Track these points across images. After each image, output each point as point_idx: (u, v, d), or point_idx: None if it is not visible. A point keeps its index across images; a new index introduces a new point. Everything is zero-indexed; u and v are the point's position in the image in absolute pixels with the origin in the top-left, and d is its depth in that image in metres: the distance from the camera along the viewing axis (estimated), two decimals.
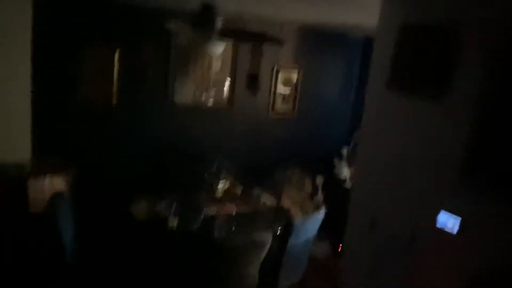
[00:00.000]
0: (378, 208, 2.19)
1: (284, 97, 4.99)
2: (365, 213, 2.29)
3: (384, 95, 2.13)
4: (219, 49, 3.37)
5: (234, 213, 3.68)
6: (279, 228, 3.37)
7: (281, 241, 3.17)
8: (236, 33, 3.43)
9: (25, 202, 3.37)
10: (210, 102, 4.56)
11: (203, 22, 3.16)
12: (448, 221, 1.73)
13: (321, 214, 3.35)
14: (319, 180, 4.83)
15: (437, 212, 1.80)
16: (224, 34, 3.23)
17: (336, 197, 4.39)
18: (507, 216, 1.53)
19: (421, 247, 1.89)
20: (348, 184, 4.48)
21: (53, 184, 3.49)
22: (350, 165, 4.51)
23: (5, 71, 3.51)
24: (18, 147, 3.68)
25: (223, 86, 4.61)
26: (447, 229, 1.73)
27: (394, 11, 2.07)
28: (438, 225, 1.77)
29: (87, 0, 3.72)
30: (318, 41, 4.99)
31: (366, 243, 2.24)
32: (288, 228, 3.12)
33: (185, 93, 4.37)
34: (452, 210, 1.75)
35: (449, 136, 1.78)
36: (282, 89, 4.95)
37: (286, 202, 4.36)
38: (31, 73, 3.65)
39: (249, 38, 3.55)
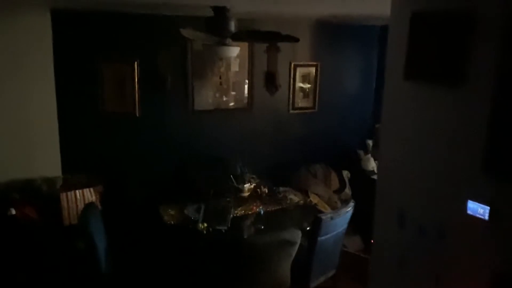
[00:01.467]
0: (405, 200, 2.15)
1: (304, 93, 4.99)
2: (392, 205, 2.26)
3: (401, 86, 2.09)
4: (233, 52, 3.40)
5: (262, 213, 3.70)
6: (308, 224, 3.37)
7: (311, 237, 3.17)
8: (250, 34, 3.43)
9: (59, 215, 3.48)
10: (231, 104, 4.60)
11: (216, 26, 3.18)
12: (478, 209, 1.69)
13: (350, 208, 3.34)
14: (346, 174, 4.82)
15: (465, 202, 1.76)
16: (238, 36, 3.24)
17: (365, 190, 4.35)
18: None
19: (450, 238, 1.85)
20: (375, 176, 4.43)
21: (83, 196, 3.59)
22: (375, 157, 4.45)
23: (31, 91, 3.63)
24: (49, 164, 3.81)
25: (243, 87, 4.65)
26: (478, 215, 1.69)
27: None
28: (469, 211, 1.73)
29: (101, 14, 3.79)
30: (335, 34, 4.96)
31: (394, 235, 2.21)
32: (317, 224, 3.12)
33: (205, 97, 4.42)
34: (479, 199, 1.71)
35: (469, 124, 1.74)
36: (301, 85, 4.95)
37: (313, 198, 4.36)
38: (55, 91, 3.76)
39: (264, 38, 3.54)
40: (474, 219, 1.73)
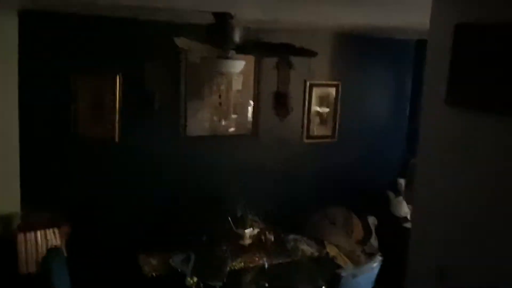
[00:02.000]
0: (447, 256, 2.12)
1: (321, 118, 5.02)
2: (430, 262, 2.22)
3: (443, 113, 2.10)
4: (237, 67, 3.44)
5: (266, 266, 3.66)
6: (324, 283, 3.34)
7: None
8: (258, 46, 3.48)
9: (14, 262, 3.44)
10: (232, 130, 4.64)
11: (218, 36, 3.23)
12: None
13: (376, 264, 3.30)
14: (372, 220, 4.79)
15: None
16: (243, 48, 3.28)
17: (396, 241, 4.31)
18: None
19: None
20: (409, 224, 4.41)
21: (46, 238, 3.56)
22: (409, 200, 4.43)
23: None
24: (5, 197, 3.79)
25: (246, 109, 4.69)
26: None
27: (447, 7, 2.05)
28: None
29: (78, 17, 3.86)
30: (360, 48, 5.04)
31: None
32: (336, 283, 3.08)
33: (200, 121, 4.46)
34: None
35: None
36: (318, 109, 4.98)
37: (331, 250, 4.31)
38: (18, 109, 3.78)
39: (274, 52, 3.59)
40: None
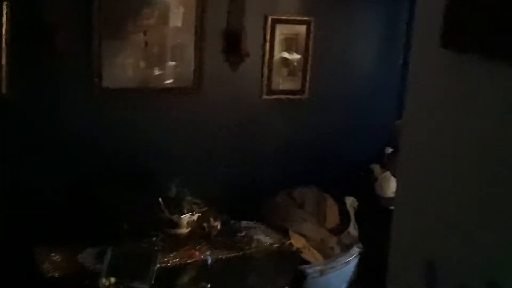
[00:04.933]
0: (438, 246, 2.14)
1: (288, 67, 5.04)
2: (416, 254, 2.24)
3: (437, 58, 2.08)
4: None
5: (209, 262, 3.69)
6: (285, 283, 3.42)
7: None
8: None
9: None
10: (167, 82, 4.63)
11: None
12: None
13: (352, 257, 3.40)
14: (351, 202, 4.86)
15: None
16: None
17: (381, 229, 4.40)
18: None
19: None
20: None
21: None
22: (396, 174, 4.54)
23: None
24: None
25: (188, 54, 4.65)
26: None
27: None
28: None
29: None
30: None
31: None
32: (298, 282, 3.16)
33: (122, 68, 4.41)
34: None
35: None
36: (284, 55, 5.00)
37: (296, 241, 4.40)
38: None
39: None
40: None
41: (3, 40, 3.95)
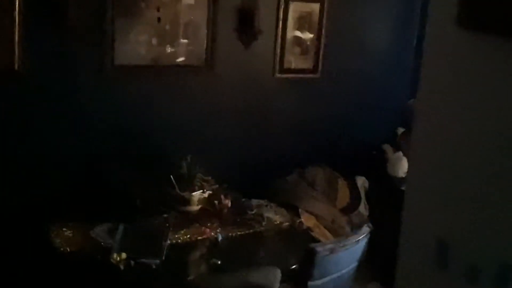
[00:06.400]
0: (449, 226, 2.13)
1: (301, 46, 5.02)
2: (428, 234, 2.24)
3: (453, 37, 2.05)
4: None
5: (219, 239, 3.72)
6: (296, 261, 3.41)
7: (300, 280, 3.24)
8: None
9: None
10: (180, 60, 4.61)
11: None
12: None
13: (362, 237, 3.40)
14: (362, 182, 4.87)
15: None
16: None
17: (392, 209, 4.41)
18: None
19: None
20: None
21: None
22: (407, 154, 4.54)
23: None
24: None
25: (201, 32, 4.64)
26: None
27: None
28: None
29: None
30: None
31: (431, 281, 2.20)
32: (309, 260, 3.18)
33: (134, 45, 4.38)
34: None
35: None
36: (297, 34, 4.98)
37: (307, 220, 4.41)
38: None
39: None
40: None
41: (16, 16, 3.93)
